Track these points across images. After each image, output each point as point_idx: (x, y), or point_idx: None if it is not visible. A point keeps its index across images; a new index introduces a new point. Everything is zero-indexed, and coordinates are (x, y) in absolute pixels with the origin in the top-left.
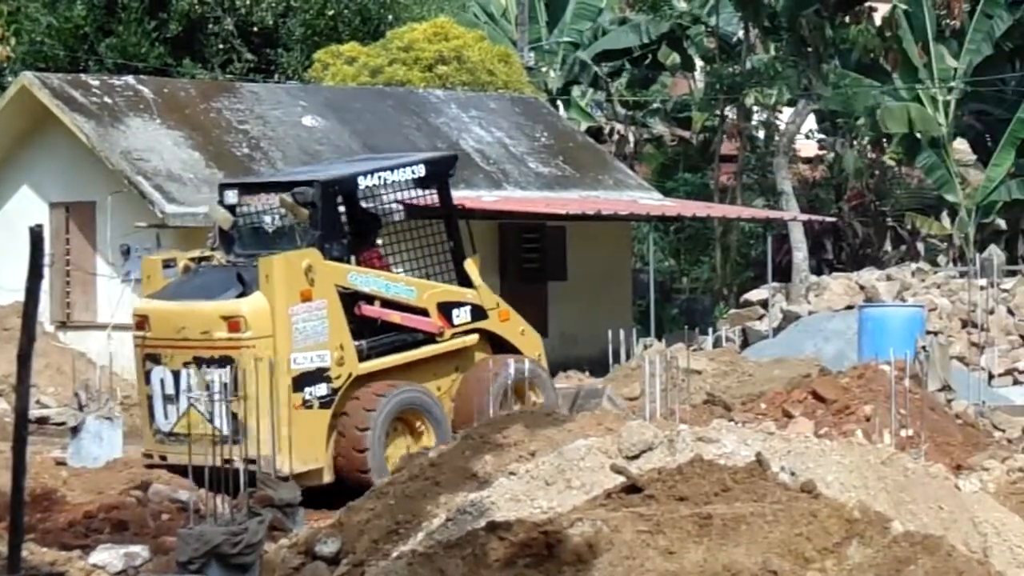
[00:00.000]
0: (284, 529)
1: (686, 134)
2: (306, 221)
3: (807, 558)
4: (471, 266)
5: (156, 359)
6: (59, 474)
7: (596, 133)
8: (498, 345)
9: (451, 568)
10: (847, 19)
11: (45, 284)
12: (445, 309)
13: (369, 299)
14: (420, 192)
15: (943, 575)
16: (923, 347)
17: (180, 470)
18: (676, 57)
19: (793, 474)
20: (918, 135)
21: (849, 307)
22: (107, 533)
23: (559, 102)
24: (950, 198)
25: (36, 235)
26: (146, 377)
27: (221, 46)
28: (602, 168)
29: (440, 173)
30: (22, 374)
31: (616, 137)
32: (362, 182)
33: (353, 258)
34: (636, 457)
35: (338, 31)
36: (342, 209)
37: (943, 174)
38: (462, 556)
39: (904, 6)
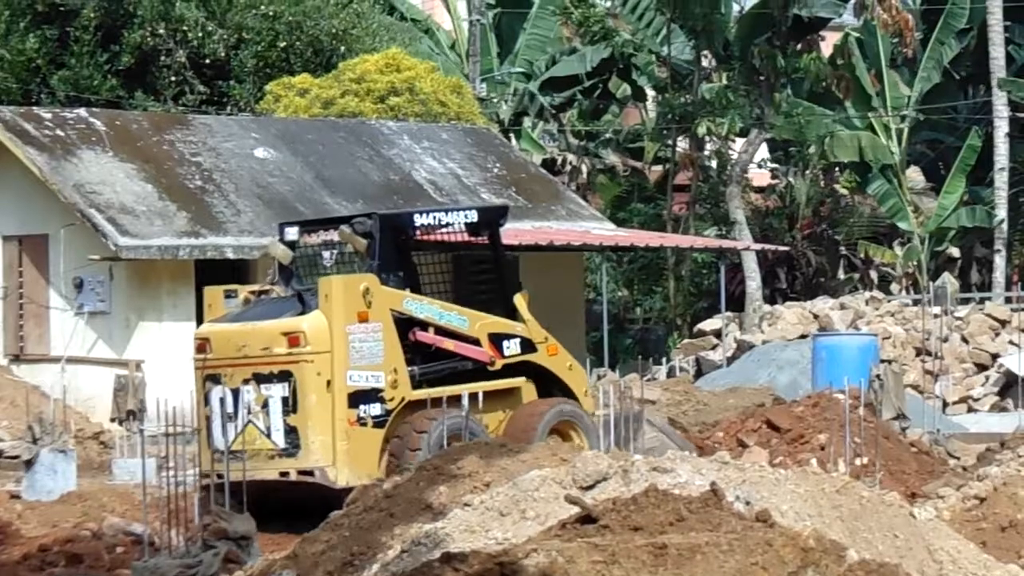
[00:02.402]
0: (239, 561)
1: (639, 164)
2: (364, 251)
3: None
4: (520, 301)
5: (216, 379)
6: (13, 507)
7: (550, 164)
8: (545, 379)
9: None
10: (799, 48)
11: None
12: (496, 340)
13: (423, 327)
14: (471, 236)
15: None
16: (877, 375)
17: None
18: (627, 88)
19: (748, 503)
20: (870, 163)
21: (803, 336)
22: (62, 566)
23: (511, 133)
24: (903, 226)
25: None
26: (205, 399)
27: (173, 78)
28: (554, 199)
29: (491, 220)
30: None
31: (569, 168)
32: (418, 220)
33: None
34: (591, 487)
35: (290, 63)
36: (398, 245)
37: (896, 202)
38: None
39: (856, 34)
